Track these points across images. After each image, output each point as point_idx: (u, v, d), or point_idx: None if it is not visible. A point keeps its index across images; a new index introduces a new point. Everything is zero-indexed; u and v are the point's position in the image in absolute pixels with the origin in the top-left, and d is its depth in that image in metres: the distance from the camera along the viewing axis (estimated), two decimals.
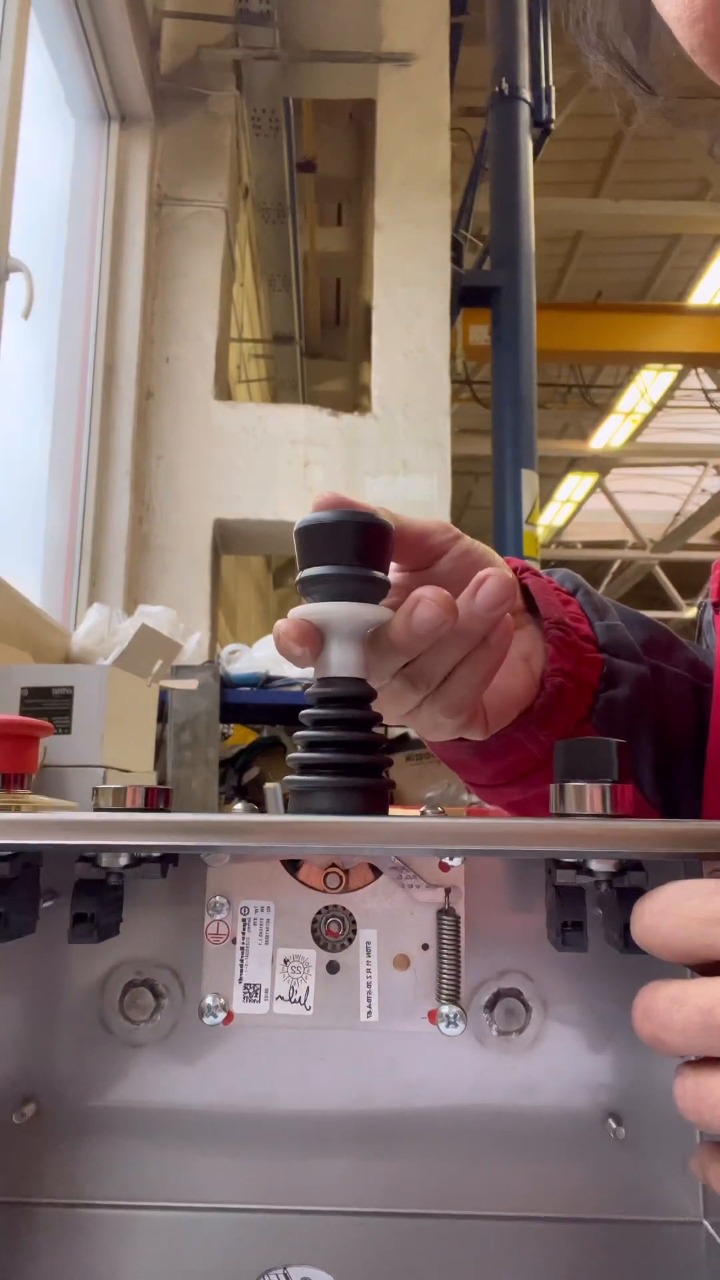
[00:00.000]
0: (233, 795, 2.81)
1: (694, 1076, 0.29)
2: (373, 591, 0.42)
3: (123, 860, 0.40)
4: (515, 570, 0.56)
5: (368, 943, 0.44)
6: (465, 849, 0.41)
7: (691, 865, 0.43)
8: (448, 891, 0.44)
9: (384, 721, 0.46)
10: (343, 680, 0.42)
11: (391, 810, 0.44)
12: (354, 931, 0.44)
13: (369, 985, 0.44)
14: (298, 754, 0.42)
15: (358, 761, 0.41)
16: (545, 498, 9.94)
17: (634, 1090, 0.45)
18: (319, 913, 0.45)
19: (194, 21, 3.86)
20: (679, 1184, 0.45)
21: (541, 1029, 0.46)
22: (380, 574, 0.42)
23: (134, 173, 3.64)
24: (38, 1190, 0.44)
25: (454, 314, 4.09)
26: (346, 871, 0.45)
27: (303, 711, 0.43)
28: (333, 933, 0.44)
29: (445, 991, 0.43)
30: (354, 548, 0.41)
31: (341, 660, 0.42)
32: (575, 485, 10.44)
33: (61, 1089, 0.45)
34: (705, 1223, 0.45)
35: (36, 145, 2.93)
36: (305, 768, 0.41)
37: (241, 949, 0.44)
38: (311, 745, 0.42)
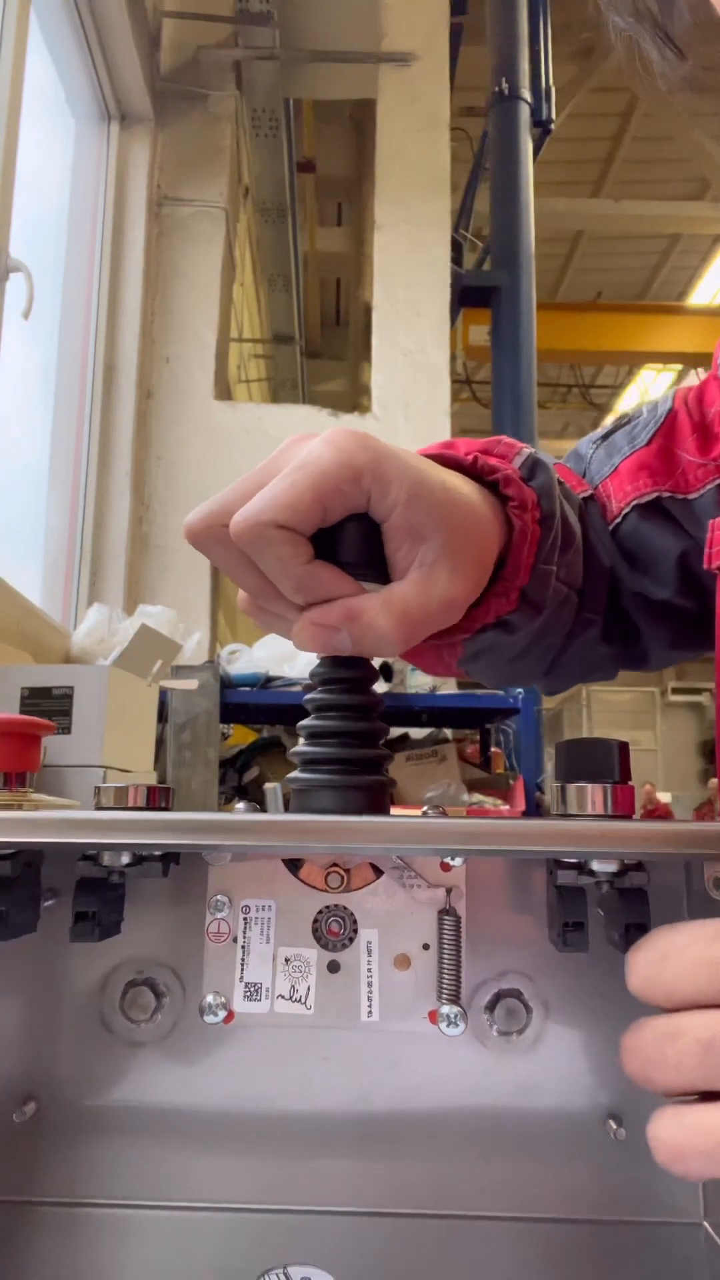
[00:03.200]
0: (233, 795, 2.81)
1: (678, 1116, 0.27)
2: (378, 575, 0.42)
3: (124, 859, 0.40)
4: (472, 463, 0.50)
5: (368, 942, 0.44)
6: (467, 849, 0.41)
7: (693, 865, 0.44)
8: (448, 891, 0.45)
9: None
10: (345, 661, 0.42)
11: (392, 810, 0.44)
12: (355, 931, 0.44)
13: (370, 985, 0.44)
14: (300, 747, 0.42)
15: (359, 756, 0.41)
16: None
17: (634, 1091, 0.45)
18: (320, 912, 0.45)
19: (194, 21, 3.86)
20: (679, 1184, 0.45)
21: (542, 1029, 0.46)
22: (382, 556, 0.42)
23: (134, 173, 3.64)
24: (38, 1189, 0.44)
25: (454, 314, 4.09)
26: (348, 871, 0.45)
27: (306, 696, 0.43)
28: (333, 932, 0.45)
29: (446, 992, 0.43)
30: (360, 532, 0.41)
31: None
32: None
33: (62, 1088, 0.45)
34: (705, 1223, 0.45)
35: (37, 145, 2.93)
36: (307, 763, 0.41)
37: (243, 948, 0.44)
38: (314, 735, 0.41)
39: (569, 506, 0.59)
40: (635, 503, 0.65)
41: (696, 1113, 0.27)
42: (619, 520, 0.66)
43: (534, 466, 0.52)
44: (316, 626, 0.40)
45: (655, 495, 0.65)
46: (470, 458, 0.50)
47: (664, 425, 0.67)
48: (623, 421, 0.71)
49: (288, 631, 0.44)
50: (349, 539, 0.41)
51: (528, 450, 0.54)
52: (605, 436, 0.71)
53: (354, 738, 0.41)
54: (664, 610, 0.67)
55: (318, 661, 0.43)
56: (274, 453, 0.43)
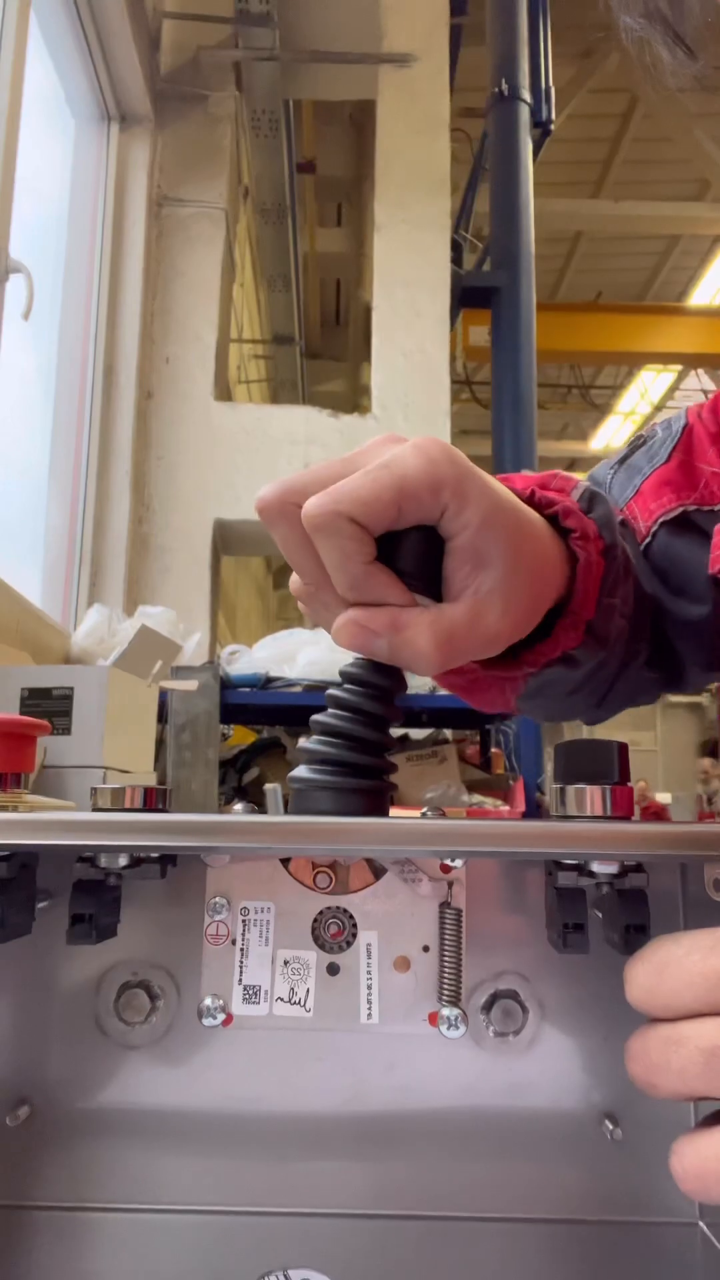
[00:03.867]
0: (233, 796, 2.81)
1: (695, 1145, 0.27)
2: (431, 589, 0.42)
3: (122, 861, 0.40)
4: (530, 496, 0.51)
5: (368, 944, 0.44)
6: (466, 850, 0.41)
7: (690, 867, 0.43)
8: (450, 885, 0.44)
9: None
10: (382, 668, 0.42)
11: (392, 811, 0.43)
12: (354, 933, 0.44)
13: (369, 987, 0.44)
14: (309, 743, 0.42)
15: (368, 764, 0.41)
16: None
17: (630, 1091, 0.45)
18: (319, 914, 0.44)
19: (194, 23, 3.86)
20: (675, 1185, 0.44)
21: (538, 1030, 0.46)
22: (439, 571, 0.42)
23: (134, 173, 3.64)
24: (32, 1193, 0.44)
25: (454, 315, 4.09)
26: (335, 870, 0.45)
27: (330, 691, 0.42)
28: (333, 934, 0.44)
29: (447, 989, 0.43)
30: (424, 543, 0.41)
31: None
32: None
33: (56, 1091, 0.45)
34: (701, 1224, 0.45)
35: (37, 146, 2.93)
36: (315, 761, 0.41)
37: (241, 950, 0.44)
38: (328, 733, 0.41)
39: (623, 537, 0.58)
40: (662, 519, 0.64)
41: (713, 1139, 0.27)
42: (648, 540, 0.65)
43: (592, 498, 0.52)
44: (359, 627, 0.40)
45: (681, 509, 0.64)
46: (528, 491, 0.49)
47: (681, 440, 0.66)
48: (638, 443, 0.71)
49: (330, 623, 0.44)
50: (411, 548, 0.41)
51: (584, 483, 0.53)
52: (623, 460, 0.70)
53: (367, 745, 0.41)
54: (698, 630, 0.66)
55: (353, 660, 0.43)
56: (359, 448, 0.43)
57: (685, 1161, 0.27)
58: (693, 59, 0.52)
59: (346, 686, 0.42)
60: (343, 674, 0.43)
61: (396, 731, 3.04)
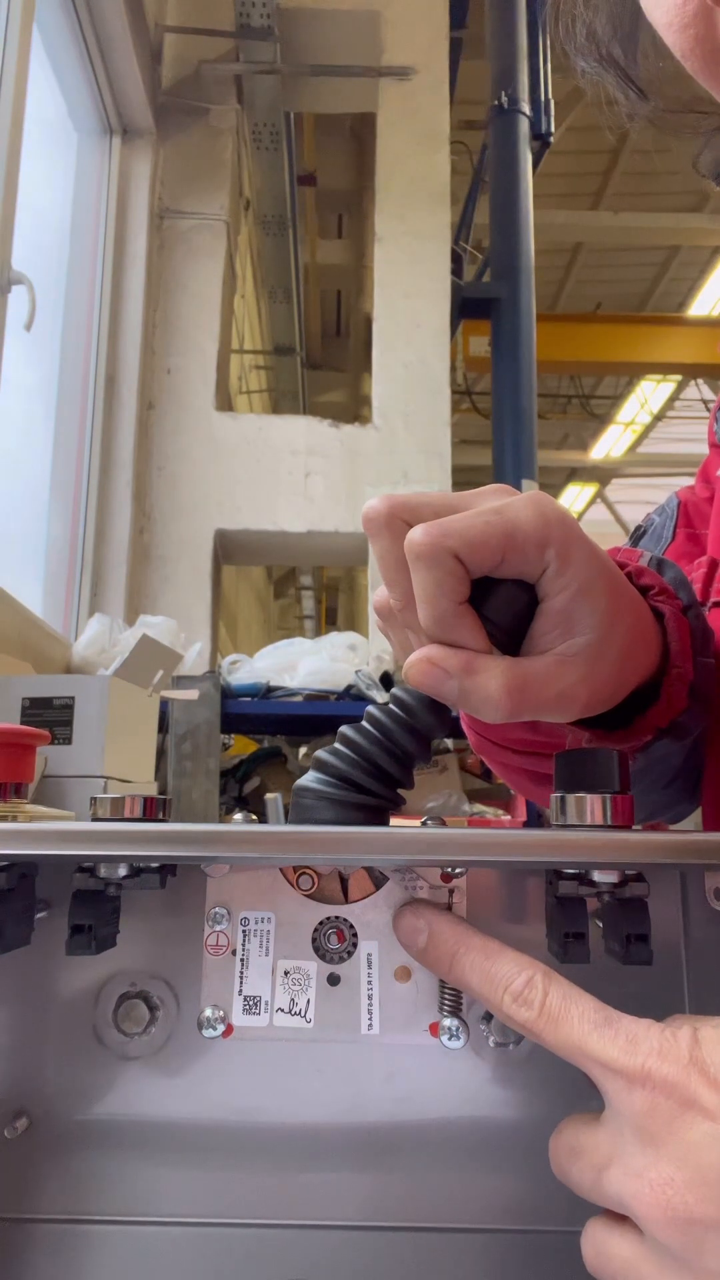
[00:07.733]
0: (233, 805, 2.81)
1: (593, 1235, 0.32)
2: (513, 645, 0.42)
3: (121, 871, 0.40)
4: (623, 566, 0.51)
5: (369, 954, 0.44)
6: (467, 859, 0.40)
7: (689, 875, 0.43)
8: (451, 892, 0.44)
9: None
10: (434, 709, 0.42)
11: (393, 820, 0.43)
12: (355, 943, 0.44)
13: (370, 998, 0.44)
14: (324, 754, 0.42)
15: (377, 791, 0.41)
16: None
17: None
18: (320, 924, 0.44)
19: (195, 36, 3.89)
20: None
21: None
22: (524, 630, 0.42)
23: (136, 186, 3.66)
24: (30, 1206, 0.44)
25: (454, 325, 4.11)
26: (317, 874, 0.44)
27: (370, 708, 0.42)
28: (334, 945, 0.44)
29: (447, 999, 0.43)
30: (518, 598, 0.41)
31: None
32: (576, 495, 10.49)
33: (54, 1103, 0.45)
34: None
35: (39, 158, 2.94)
36: (330, 771, 0.41)
37: (241, 960, 0.44)
38: (349, 744, 0.41)
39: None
40: None
41: (608, 1239, 0.31)
42: None
43: (660, 564, 0.52)
44: (433, 666, 0.40)
45: None
46: None
47: (680, 517, 0.69)
48: (640, 532, 0.72)
49: (403, 646, 0.44)
50: (504, 599, 0.41)
51: (648, 553, 0.54)
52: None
53: (383, 776, 0.41)
54: None
55: (412, 689, 0.42)
56: (472, 490, 0.43)
57: (585, 1245, 0.32)
58: (644, 100, 0.54)
59: (390, 709, 0.42)
60: (394, 696, 0.43)
61: None
